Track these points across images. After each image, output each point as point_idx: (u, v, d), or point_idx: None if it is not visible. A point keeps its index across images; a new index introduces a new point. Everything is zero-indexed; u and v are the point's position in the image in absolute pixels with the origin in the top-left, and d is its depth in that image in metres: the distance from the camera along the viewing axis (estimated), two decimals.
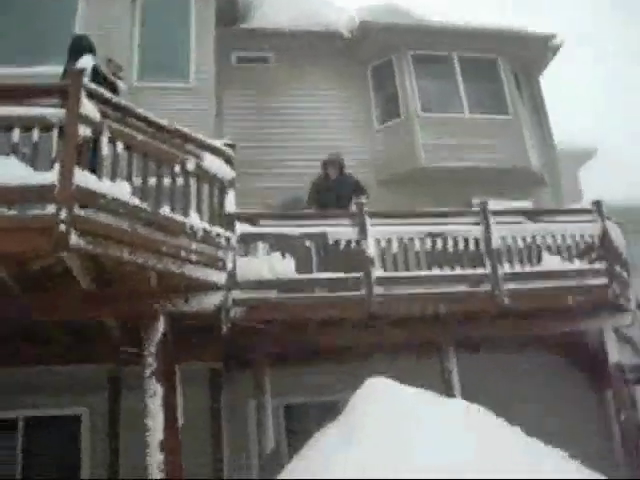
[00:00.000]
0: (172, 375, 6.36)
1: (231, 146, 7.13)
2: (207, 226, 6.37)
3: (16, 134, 5.29)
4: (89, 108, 5.43)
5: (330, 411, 7.00)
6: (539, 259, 8.55)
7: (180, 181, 6.35)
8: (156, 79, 10.63)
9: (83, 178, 5.25)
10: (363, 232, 7.92)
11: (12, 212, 5.12)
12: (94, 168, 5.57)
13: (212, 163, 6.65)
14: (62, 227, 5.01)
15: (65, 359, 7.95)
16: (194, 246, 6.16)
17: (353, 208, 8.49)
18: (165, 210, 5.96)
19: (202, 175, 6.57)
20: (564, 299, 8.41)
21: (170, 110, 8.84)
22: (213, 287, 6.51)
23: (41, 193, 5.16)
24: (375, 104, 12.69)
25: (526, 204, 11.80)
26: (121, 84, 8.51)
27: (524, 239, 8.52)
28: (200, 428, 8.32)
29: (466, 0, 23.35)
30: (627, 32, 33.61)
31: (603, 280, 8.55)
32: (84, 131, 5.34)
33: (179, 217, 6.09)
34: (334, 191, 9.30)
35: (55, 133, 5.39)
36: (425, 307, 8.06)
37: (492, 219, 8.37)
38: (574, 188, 17.13)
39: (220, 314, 6.86)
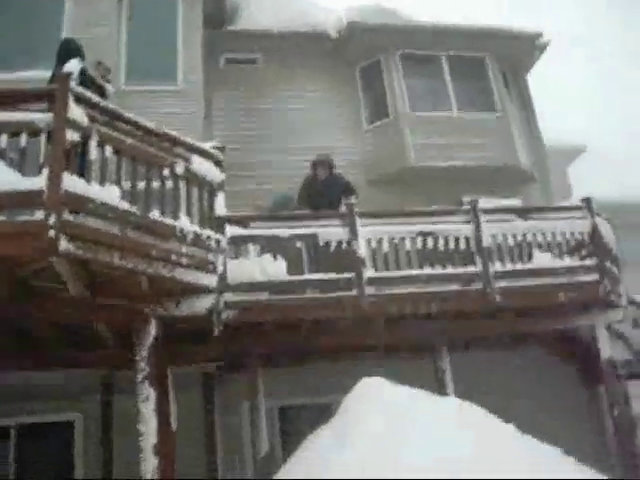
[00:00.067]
0: (164, 379, 6.36)
1: (220, 149, 7.14)
2: (197, 229, 6.36)
3: (3, 139, 5.27)
4: (77, 112, 5.41)
5: (324, 412, 7.00)
6: (530, 257, 8.56)
7: (169, 184, 6.34)
8: (144, 82, 10.57)
9: (72, 183, 5.23)
10: (354, 232, 7.91)
11: (0, 218, 5.09)
12: (83, 172, 5.55)
13: (201, 166, 6.65)
14: (51, 232, 4.99)
15: (58, 365, 7.91)
16: (184, 249, 6.15)
17: (343, 209, 8.48)
18: (155, 214, 5.95)
19: (191, 178, 6.56)
20: (555, 296, 8.43)
21: (158, 113, 8.85)
22: (204, 290, 6.52)
23: (30, 198, 5.14)
24: (364, 104, 12.70)
25: (516, 202, 11.84)
26: (109, 87, 8.49)
27: (515, 237, 8.53)
28: (193, 431, 8.32)
29: (463, 1, 23.41)
30: (623, 32, 33.78)
31: (594, 276, 8.56)
32: (72, 136, 5.33)
33: (169, 220, 6.08)
34: (323, 192, 9.30)
35: (43, 138, 5.37)
36: (417, 306, 8.05)
37: (482, 217, 8.37)
38: (563, 185, 17.22)
39: (212, 317, 6.85)
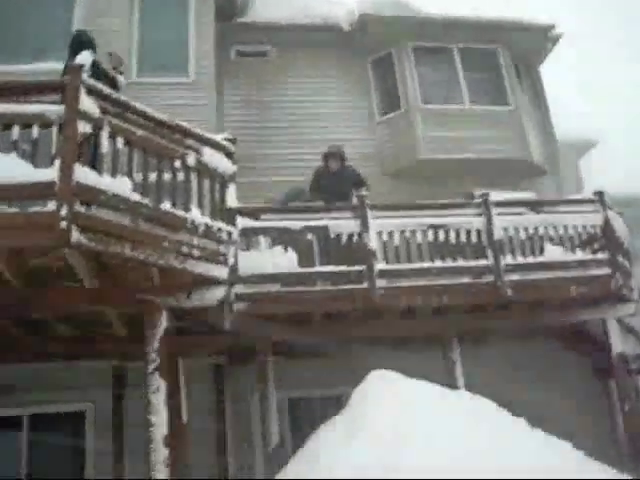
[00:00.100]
0: (175, 370, 6.37)
1: (231, 140, 7.12)
2: (208, 221, 6.36)
3: (16, 131, 5.28)
4: (88, 104, 5.41)
5: (334, 404, 7.01)
6: (541, 250, 8.53)
7: (181, 176, 6.34)
8: (156, 74, 10.56)
9: (83, 174, 5.24)
10: (365, 225, 7.90)
11: (13, 209, 5.12)
12: (94, 164, 5.56)
13: (212, 157, 6.64)
14: (63, 224, 4.99)
15: (69, 355, 7.97)
16: (196, 241, 6.16)
17: (354, 201, 8.47)
18: (166, 205, 5.95)
19: (203, 170, 6.55)
20: (567, 290, 8.40)
21: (170, 105, 8.84)
22: (215, 282, 6.51)
23: (41, 190, 5.15)
24: (376, 96, 12.64)
25: (527, 195, 11.77)
26: (121, 79, 8.51)
27: (526, 230, 8.50)
28: (204, 422, 8.34)
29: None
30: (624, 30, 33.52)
31: (606, 270, 8.53)
32: (84, 127, 5.33)
33: (180, 212, 6.08)
34: (335, 184, 9.28)
35: (55, 130, 5.38)
36: (428, 299, 8.05)
37: (494, 210, 8.35)
38: (575, 178, 17.13)
39: (222, 309, 6.87)
